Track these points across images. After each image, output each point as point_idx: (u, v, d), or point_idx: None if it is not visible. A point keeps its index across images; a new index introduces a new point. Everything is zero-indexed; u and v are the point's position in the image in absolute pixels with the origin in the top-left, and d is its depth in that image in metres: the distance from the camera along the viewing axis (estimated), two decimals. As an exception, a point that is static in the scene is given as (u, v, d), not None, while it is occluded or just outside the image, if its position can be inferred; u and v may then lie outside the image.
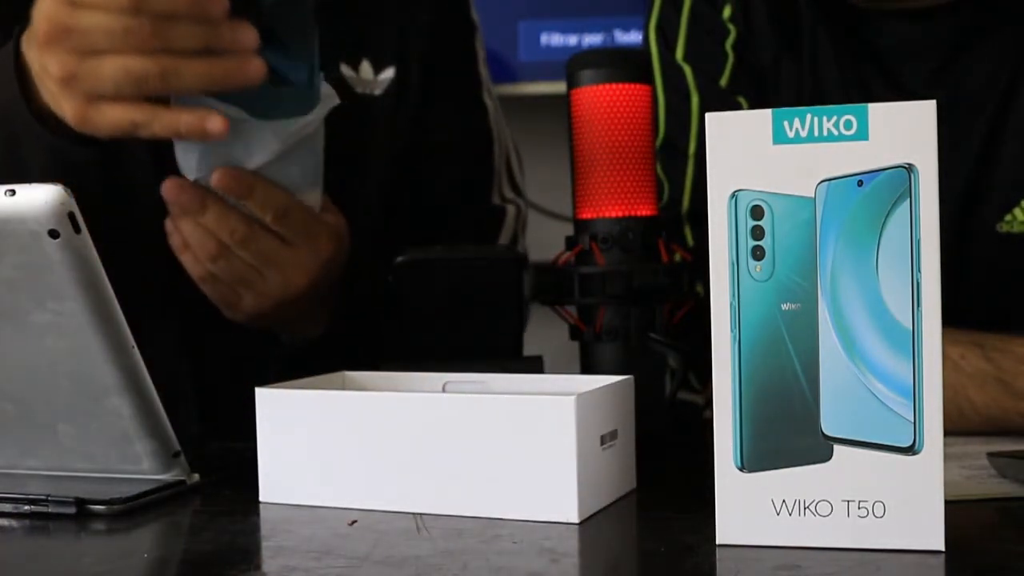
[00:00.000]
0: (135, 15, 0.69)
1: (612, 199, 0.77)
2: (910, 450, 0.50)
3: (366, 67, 1.01)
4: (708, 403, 0.79)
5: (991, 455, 0.65)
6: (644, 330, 0.77)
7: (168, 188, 0.79)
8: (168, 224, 0.81)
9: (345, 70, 1.00)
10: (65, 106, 0.73)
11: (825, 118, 0.50)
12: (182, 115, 0.73)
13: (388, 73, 1.02)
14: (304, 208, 0.82)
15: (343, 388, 0.70)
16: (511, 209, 1.08)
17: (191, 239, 0.80)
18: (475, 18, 1.10)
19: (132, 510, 0.62)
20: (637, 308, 0.77)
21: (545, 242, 1.11)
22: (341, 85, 0.99)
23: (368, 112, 1.00)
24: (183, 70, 0.71)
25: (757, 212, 0.51)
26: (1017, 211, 0.95)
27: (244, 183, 0.78)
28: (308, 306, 0.86)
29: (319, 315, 0.90)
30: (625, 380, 0.64)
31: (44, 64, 0.73)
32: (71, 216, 0.57)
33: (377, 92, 1.01)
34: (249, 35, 0.73)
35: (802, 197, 0.51)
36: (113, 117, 0.72)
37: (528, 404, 0.58)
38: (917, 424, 0.50)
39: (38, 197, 0.57)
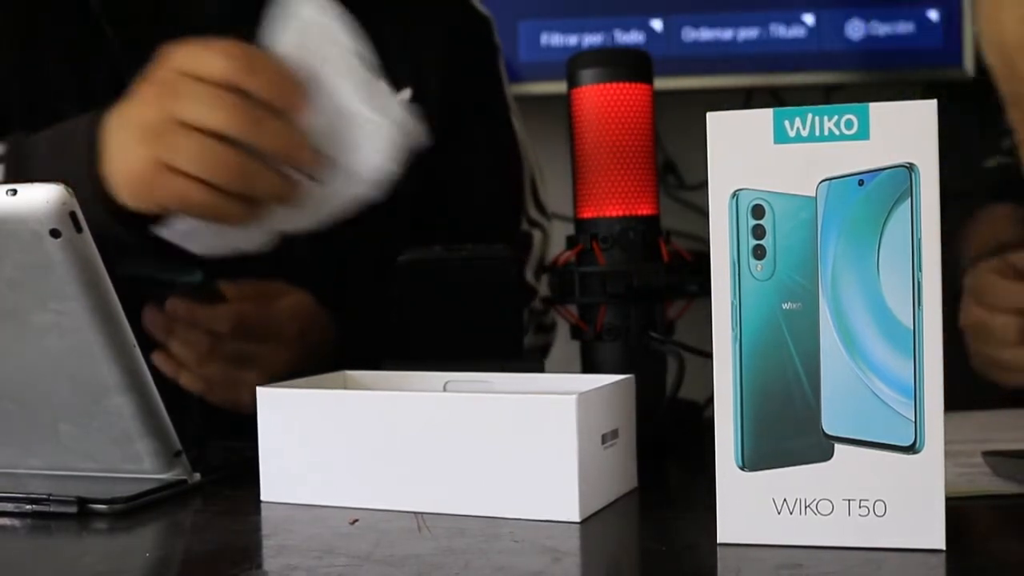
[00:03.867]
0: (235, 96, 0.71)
1: (612, 198, 0.77)
2: (911, 449, 0.50)
3: None
4: (708, 401, 0.79)
5: (986, 454, 0.65)
6: (644, 329, 0.77)
7: (146, 318, 0.83)
8: (157, 356, 0.83)
9: None
10: (138, 153, 0.73)
11: (826, 117, 0.50)
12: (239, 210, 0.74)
13: (403, 95, 1.01)
14: (258, 312, 0.86)
15: (343, 388, 0.70)
16: (537, 234, 1.08)
17: (181, 356, 0.84)
18: (497, 41, 1.10)
19: (133, 509, 0.62)
20: (637, 307, 0.77)
21: (545, 242, 1.11)
22: None
23: None
24: (258, 178, 0.73)
25: (758, 211, 0.51)
26: None
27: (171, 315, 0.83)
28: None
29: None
30: (626, 379, 0.64)
31: (141, 114, 0.73)
32: (72, 216, 0.57)
33: None
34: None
35: (803, 196, 0.51)
36: (175, 189, 0.72)
37: (529, 403, 0.58)
38: (918, 423, 0.50)
39: (39, 197, 0.57)
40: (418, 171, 1.02)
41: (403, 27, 1.02)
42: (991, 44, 0.83)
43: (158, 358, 0.83)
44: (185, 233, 0.78)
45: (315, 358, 0.89)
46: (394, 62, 1.01)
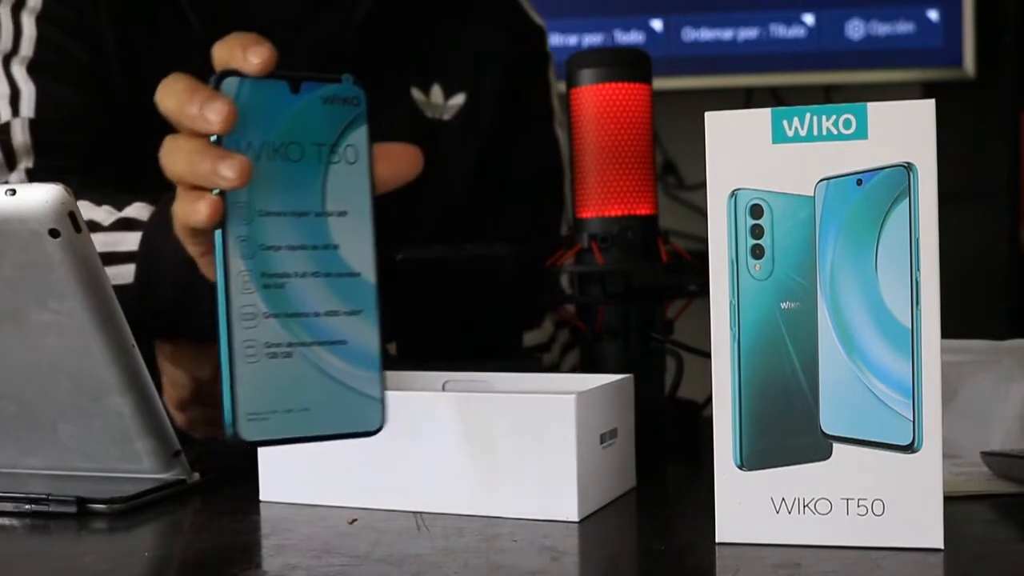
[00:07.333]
0: None
1: (611, 198, 0.77)
2: (909, 448, 0.50)
3: (436, 92, 1.01)
4: (707, 401, 0.79)
5: (985, 454, 0.65)
6: (644, 329, 0.77)
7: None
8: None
9: (415, 94, 1.00)
10: None
11: (824, 117, 0.51)
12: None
13: (459, 99, 1.02)
14: None
15: (343, 387, 0.70)
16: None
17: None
18: (549, 50, 1.11)
19: (133, 509, 0.62)
20: (636, 307, 0.77)
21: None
22: (411, 109, 0.99)
23: (436, 137, 1.01)
24: None
25: (756, 211, 0.51)
26: None
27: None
28: None
29: None
30: (625, 379, 0.64)
31: None
32: (71, 215, 0.57)
33: (446, 117, 1.01)
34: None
35: (801, 196, 0.51)
36: None
37: (528, 403, 0.58)
38: (916, 422, 0.50)
39: (39, 196, 0.57)
40: (463, 172, 1.02)
41: (463, 30, 1.03)
42: None
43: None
44: None
45: None
46: (454, 64, 1.02)
